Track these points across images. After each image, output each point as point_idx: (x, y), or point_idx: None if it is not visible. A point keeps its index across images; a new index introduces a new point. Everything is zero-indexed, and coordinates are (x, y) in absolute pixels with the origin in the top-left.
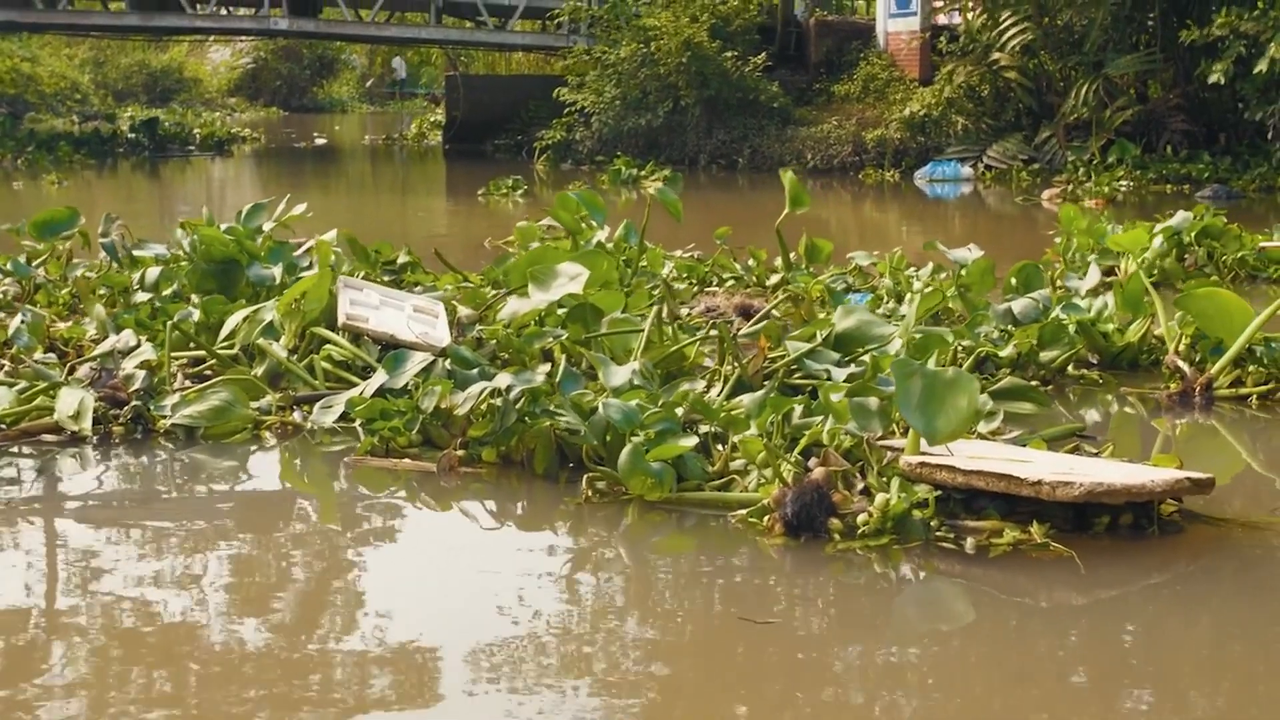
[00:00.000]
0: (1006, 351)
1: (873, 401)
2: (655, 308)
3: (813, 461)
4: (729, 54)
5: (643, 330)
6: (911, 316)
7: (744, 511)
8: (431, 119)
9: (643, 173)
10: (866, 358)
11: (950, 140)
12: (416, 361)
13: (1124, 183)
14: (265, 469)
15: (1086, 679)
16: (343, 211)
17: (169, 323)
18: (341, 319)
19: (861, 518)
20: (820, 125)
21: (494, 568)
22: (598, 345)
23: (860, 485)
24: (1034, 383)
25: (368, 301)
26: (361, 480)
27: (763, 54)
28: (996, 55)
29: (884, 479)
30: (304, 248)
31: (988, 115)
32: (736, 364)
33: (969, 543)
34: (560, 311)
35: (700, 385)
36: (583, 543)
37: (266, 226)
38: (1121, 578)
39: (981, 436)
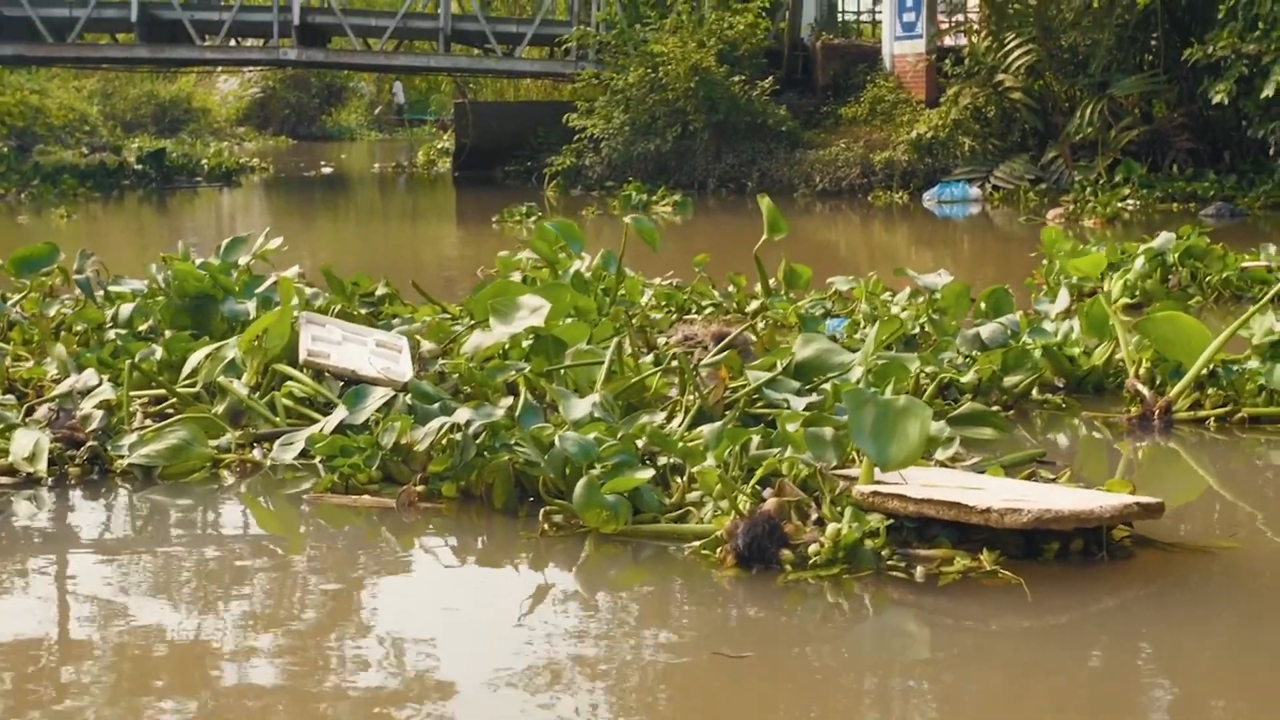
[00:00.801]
0: (968, 378)
1: (827, 431)
2: (616, 339)
3: (768, 492)
4: (736, 78)
5: (603, 362)
6: (871, 343)
7: (698, 544)
8: (438, 146)
9: (654, 198)
10: (826, 386)
11: (957, 161)
12: (377, 397)
13: (1130, 202)
14: (223, 508)
15: (1033, 705)
16: (352, 241)
17: (129, 361)
18: (303, 355)
19: (813, 548)
20: (828, 148)
21: (450, 604)
22: (560, 378)
23: (814, 515)
24: (996, 408)
25: (330, 337)
26: (320, 517)
27: (770, 78)
28: (1002, 77)
29: (837, 509)
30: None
31: (994, 136)
32: (697, 394)
33: (919, 571)
34: (526, 344)
35: (660, 417)
36: (537, 577)
37: (243, 260)
38: (1068, 604)
39: (940, 463)
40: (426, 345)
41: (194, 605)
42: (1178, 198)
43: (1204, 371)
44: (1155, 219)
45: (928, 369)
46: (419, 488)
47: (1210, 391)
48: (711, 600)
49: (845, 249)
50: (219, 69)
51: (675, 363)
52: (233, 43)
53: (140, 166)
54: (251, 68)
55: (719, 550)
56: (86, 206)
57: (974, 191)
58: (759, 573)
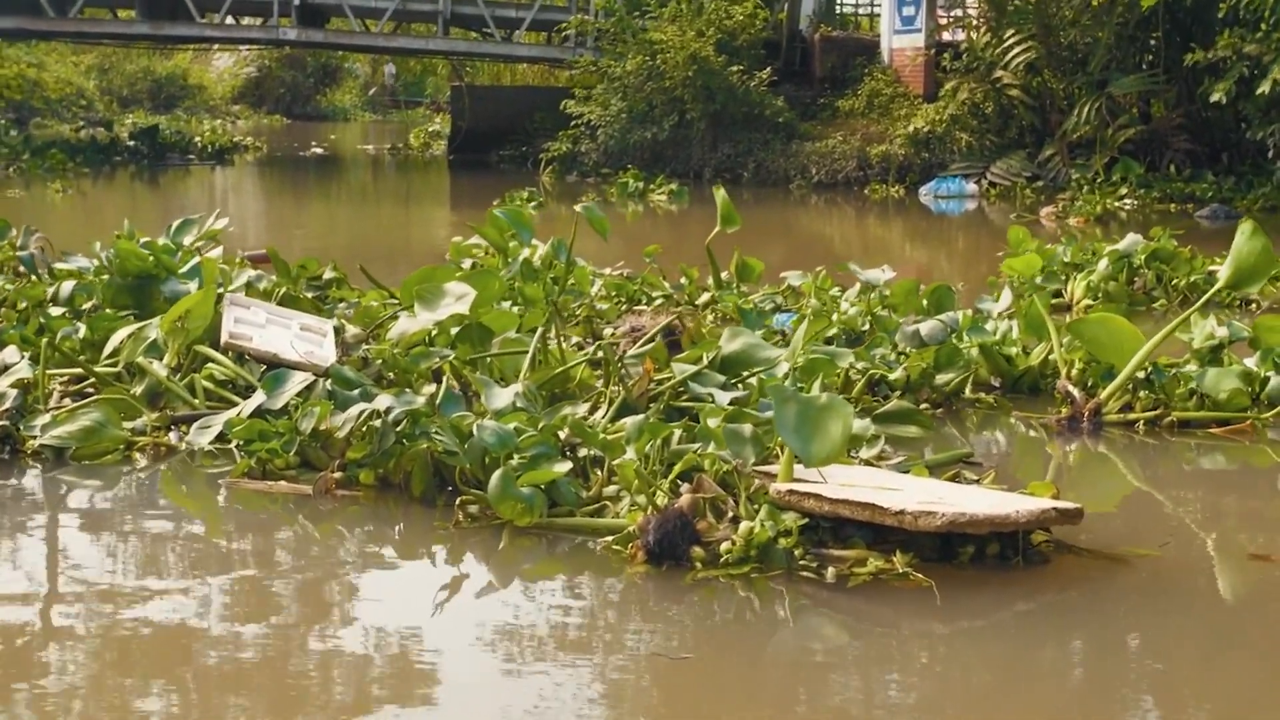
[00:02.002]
0: (896, 375)
1: (746, 428)
2: (541, 329)
3: (686, 488)
4: (735, 68)
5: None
6: (799, 339)
7: (610, 538)
8: (429, 129)
9: (652, 186)
10: (753, 380)
11: (954, 157)
12: (296, 381)
13: (1128, 201)
14: (133, 491)
15: (935, 710)
16: (343, 223)
17: (45, 340)
18: (224, 338)
19: (725, 546)
20: (825, 140)
21: (355, 594)
22: (486, 366)
23: (731, 513)
24: (924, 406)
25: (254, 320)
26: (235, 503)
27: (768, 69)
28: (1000, 73)
29: (754, 506)
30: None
31: (991, 132)
32: (621, 386)
33: (830, 572)
34: (454, 331)
35: (583, 408)
36: (447, 569)
37: (188, 240)
38: (980, 608)
39: (865, 462)
40: (351, 330)
41: (79, 590)
42: (1175, 198)
43: (1139, 374)
44: (1152, 219)
45: (860, 365)
46: (336, 474)
47: (1141, 395)
48: (615, 596)
49: (839, 242)
50: (215, 46)
51: (601, 353)
52: (232, 20)
53: (133, 143)
54: (246, 46)
55: (630, 546)
56: (78, 182)
57: (970, 187)
58: (669, 569)
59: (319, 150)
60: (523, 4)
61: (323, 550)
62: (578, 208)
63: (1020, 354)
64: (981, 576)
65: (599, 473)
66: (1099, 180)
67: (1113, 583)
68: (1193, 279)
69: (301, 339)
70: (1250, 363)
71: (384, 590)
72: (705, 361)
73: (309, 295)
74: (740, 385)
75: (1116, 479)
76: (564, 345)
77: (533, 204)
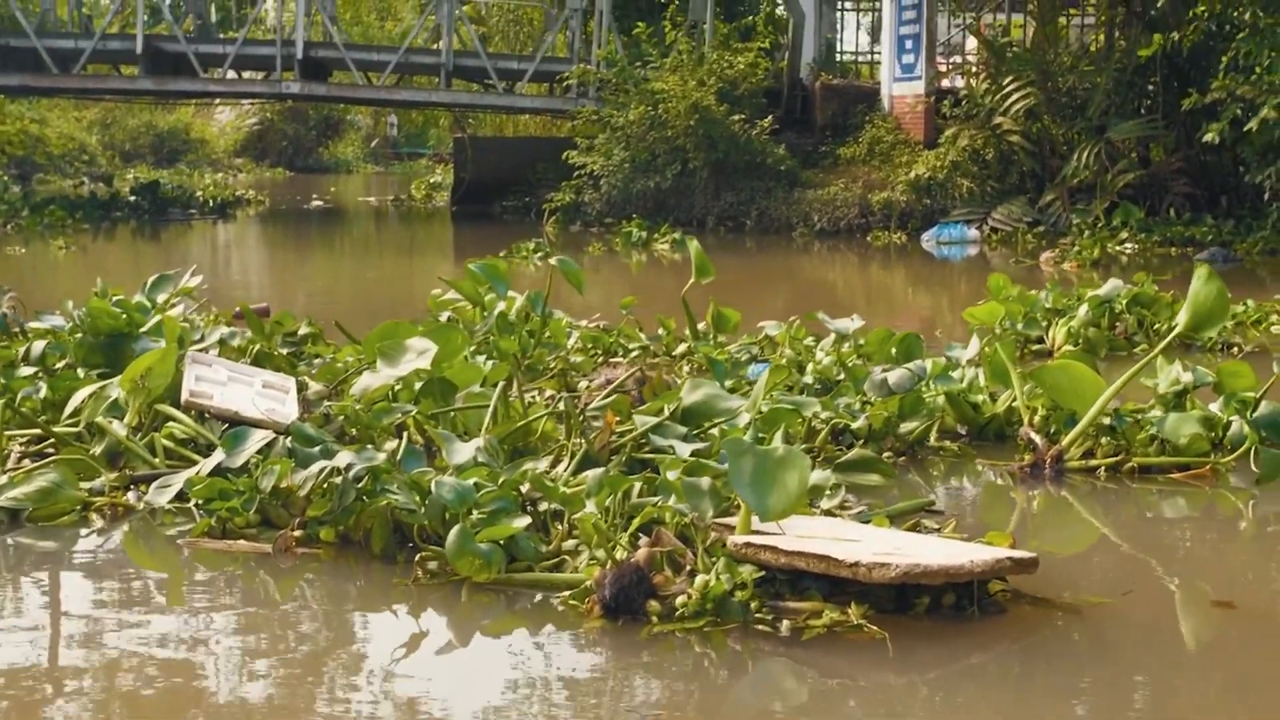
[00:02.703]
0: (858, 424)
1: (704, 480)
2: (502, 383)
3: (644, 541)
4: (736, 117)
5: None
6: (760, 389)
7: (568, 593)
8: (430, 180)
9: (658, 235)
10: (715, 432)
11: (956, 203)
12: (256, 439)
13: (1129, 245)
14: (93, 551)
15: None
16: (346, 277)
17: (4, 401)
18: (185, 396)
19: (681, 599)
20: (827, 188)
21: (315, 652)
22: (449, 421)
23: (689, 566)
24: (888, 454)
25: (215, 377)
26: (193, 563)
27: (769, 117)
28: (1000, 119)
29: (712, 559)
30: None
31: (992, 178)
32: (583, 439)
33: (785, 625)
34: (418, 386)
35: (544, 462)
36: (404, 626)
37: (162, 298)
38: (929, 660)
39: (826, 512)
40: (314, 386)
41: (60, 649)
42: (1175, 242)
43: (1103, 420)
44: (1153, 262)
45: (825, 414)
46: (296, 532)
47: (1103, 441)
48: (569, 653)
49: (843, 288)
50: (217, 100)
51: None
52: (234, 75)
53: (134, 198)
54: (247, 99)
55: (587, 601)
56: (79, 239)
57: (972, 233)
58: (625, 624)
59: (320, 203)
60: (524, 55)
61: (281, 609)
62: (552, 261)
63: (986, 401)
64: (937, 627)
65: (560, 527)
66: (1100, 225)
67: (1070, 632)
68: (1174, 324)
69: (264, 396)
70: (1216, 408)
71: (340, 648)
72: (667, 413)
73: (284, 352)
74: (701, 437)
75: (1077, 526)
76: (525, 399)
77: (539, 255)
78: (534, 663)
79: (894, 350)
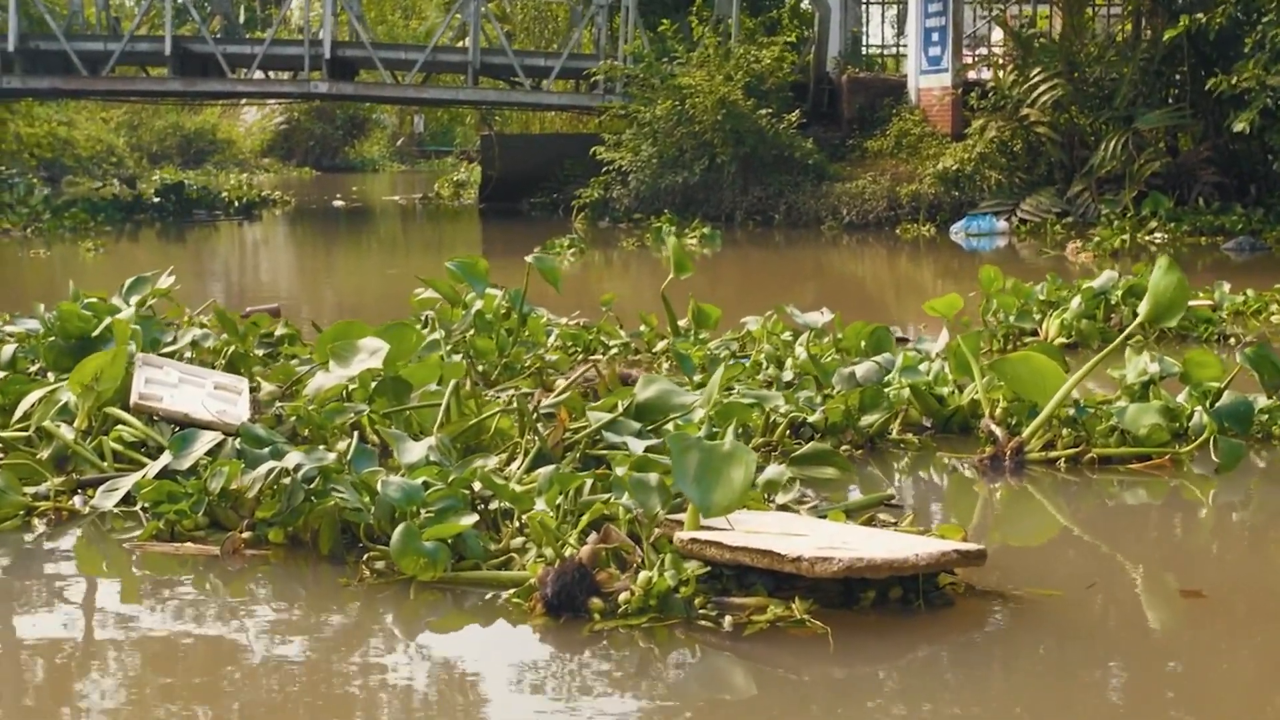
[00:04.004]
0: (815, 417)
1: (652, 477)
2: (454, 381)
3: (592, 538)
4: (763, 112)
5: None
6: (714, 384)
7: (512, 591)
8: (454, 178)
9: (689, 230)
10: (669, 427)
11: (984, 194)
12: (205, 441)
13: (1158, 235)
14: (36, 558)
15: None
16: (375, 274)
17: None
18: (134, 398)
19: (624, 596)
20: (855, 181)
21: (258, 653)
22: (403, 420)
23: (636, 563)
24: (846, 448)
25: (166, 380)
26: (139, 566)
27: (796, 111)
28: (1027, 111)
29: (659, 555)
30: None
31: (1020, 169)
32: (536, 436)
33: (727, 620)
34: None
35: (494, 460)
36: (348, 627)
37: (130, 302)
38: (871, 654)
39: (783, 507)
40: (267, 387)
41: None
42: (1205, 231)
43: (1064, 412)
44: (1182, 252)
45: (784, 408)
46: (245, 534)
47: (1064, 432)
48: (507, 650)
49: (871, 281)
50: (244, 101)
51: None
52: (262, 75)
53: (157, 199)
54: (275, 100)
55: (530, 598)
56: (104, 241)
57: (1001, 224)
58: (568, 621)
59: (342, 203)
60: (551, 52)
61: (227, 611)
62: (528, 258)
63: (953, 394)
64: (882, 621)
65: (510, 525)
66: (1128, 215)
67: (1015, 626)
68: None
69: (215, 398)
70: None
71: (282, 650)
72: (620, 409)
73: (259, 353)
74: (657, 433)
75: (1037, 518)
76: (480, 397)
77: (571, 250)
78: (473, 661)
79: (863, 343)
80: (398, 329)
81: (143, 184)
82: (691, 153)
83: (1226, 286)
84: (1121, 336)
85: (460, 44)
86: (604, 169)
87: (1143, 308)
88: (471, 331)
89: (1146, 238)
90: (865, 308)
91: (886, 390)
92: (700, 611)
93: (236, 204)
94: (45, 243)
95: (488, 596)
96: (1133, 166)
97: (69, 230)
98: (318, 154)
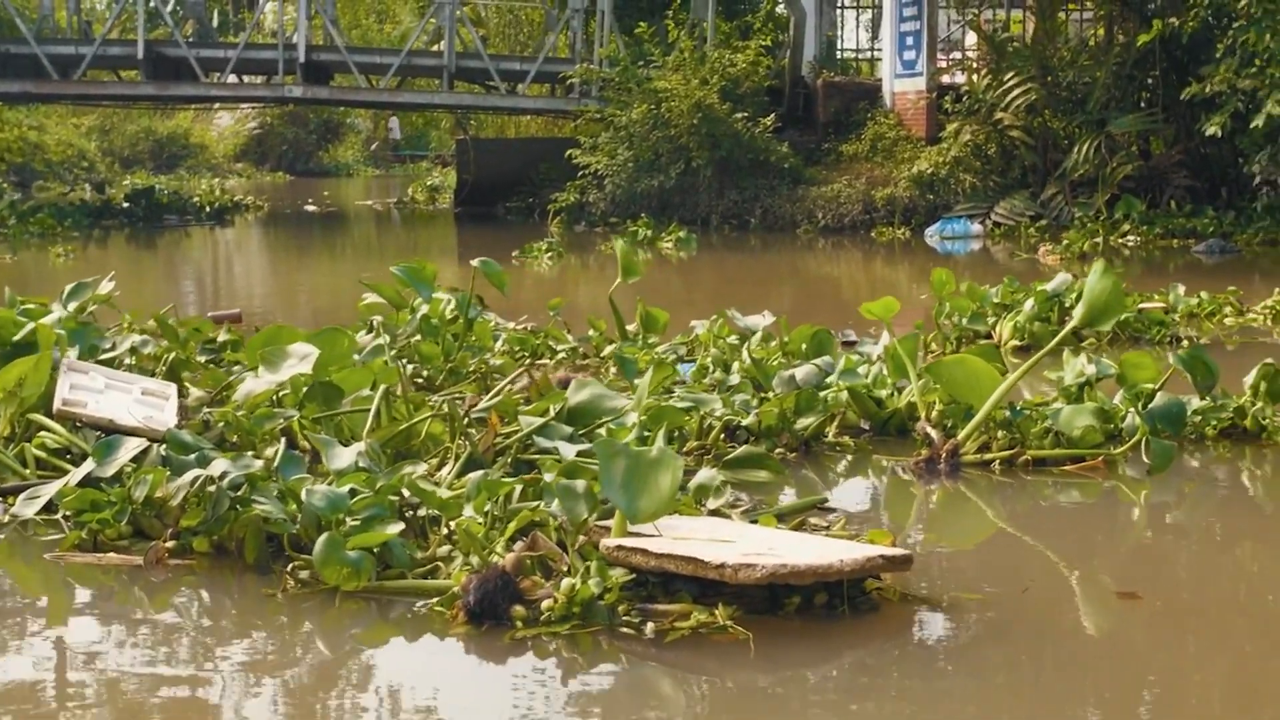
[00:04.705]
0: (748, 420)
1: (580, 483)
2: (384, 386)
3: (518, 545)
4: (739, 115)
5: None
6: (645, 388)
7: (435, 600)
8: (429, 182)
9: (665, 234)
10: (602, 432)
11: (958, 198)
12: (129, 448)
13: (1131, 238)
14: None
15: None
16: (350, 280)
17: None
18: (58, 404)
19: (547, 604)
20: (830, 184)
21: (174, 664)
22: (333, 426)
23: (563, 570)
24: (780, 451)
25: (91, 385)
26: (59, 577)
27: (772, 115)
28: (1001, 114)
29: (586, 563)
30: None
31: (994, 173)
32: (467, 441)
33: (650, 627)
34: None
35: (423, 467)
36: (270, 637)
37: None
38: (793, 660)
39: (714, 512)
40: (195, 392)
41: None
42: (1177, 234)
43: (1001, 414)
44: (1155, 255)
45: (719, 411)
46: (169, 543)
47: (1000, 434)
48: (428, 659)
49: (847, 285)
50: (216, 105)
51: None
52: (235, 79)
53: (127, 204)
54: (248, 104)
55: (453, 607)
56: (75, 246)
57: (975, 228)
58: (490, 630)
59: (314, 208)
60: (527, 56)
61: (149, 622)
62: (474, 262)
63: (892, 397)
64: (807, 627)
65: (438, 532)
66: (1101, 218)
67: (940, 630)
68: (1123, 317)
69: (142, 404)
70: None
71: (205, 660)
72: (552, 414)
73: (201, 360)
74: (590, 437)
75: (971, 520)
76: (422, 401)
77: (549, 254)
78: (393, 671)
79: (803, 346)
80: (329, 334)
81: (114, 189)
82: (667, 156)
83: (1181, 289)
84: (1055, 340)
85: (435, 48)
86: (580, 173)
87: (1078, 311)
88: (417, 337)
89: (1119, 240)
90: (838, 311)
91: (824, 393)
92: (623, 619)
93: (208, 209)
94: (10, 249)
95: (415, 606)
96: (1105, 170)
97: (35, 236)
98: (291, 158)
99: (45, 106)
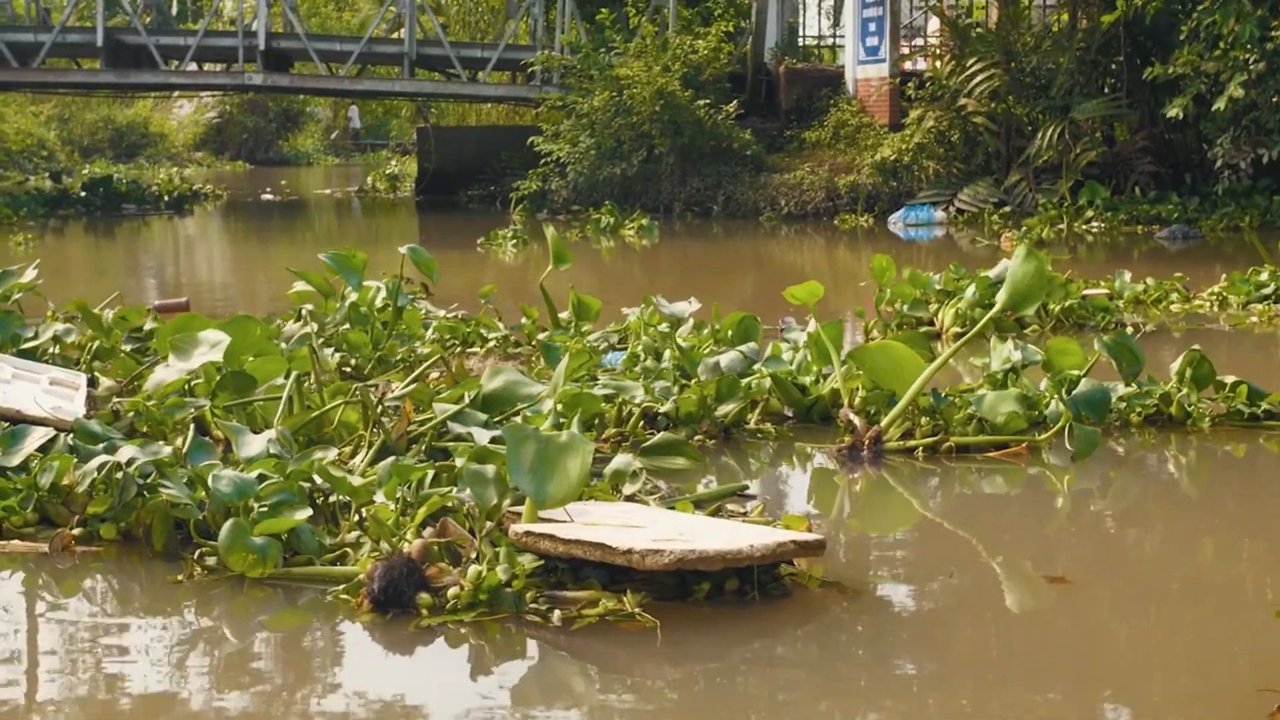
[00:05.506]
0: (666, 407)
1: (489, 468)
2: (296, 373)
3: (428, 531)
4: (701, 102)
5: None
6: (560, 375)
7: (341, 588)
8: (387, 171)
9: (628, 222)
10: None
11: (922, 185)
12: (36, 437)
13: (1095, 224)
14: None
15: None
16: (309, 266)
17: None
18: None
19: (453, 591)
20: (793, 171)
21: (79, 651)
22: (245, 414)
23: (472, 556)
24: (699, 438)
25: None
26: None
27: (734, 102)
28: (965, 101)
29: (496, 549)
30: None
31: (958, 160)
32: (380, 429)
33: (556, 615)
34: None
35: (334, 453)
36: (173, 625)
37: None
38: (698, 649)
39: (631, 498)
40: (106, 382)
41: None
42: (1141, 220)
43: (925, 400)
44: (1119, 241)
45: (639, 398)
46: (75, 530)
47: (923, 421)
48: (330, 648)
49: (810, 271)
50: (176, 94)
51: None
52: (195, 67)
53: (84, 193)
54: (209, 92)
55: (358, 594)
56: (37, 235)
57: (938, 215)
58: (395, 617)
59: (271, 197)
60: (487, 44)
61: (52, 609)
62: (402, 249)
63: (813, 384)
64: (716, 614)
65: (350, 518)
66: (1065, 204)
67: (850, 617)
68: (1067, 304)
69: (50, 394)
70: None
71: (100, 649)
72: (466, 400)
73: (126, 349)
74: (504, 424)
75: (894, 507)
76: (344, 388)
77: (513, 242)
78: (295, 658)
79: (730, 333)
80: (240, 322)
81: (72, 178)
82: (630, 144)
83: (1128, 275)
84: (977, 326)
85: (395, 35)
86: (542, 161)
87: (1000, 296)
88: (345, 325)
89: (1083, 227)
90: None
91: (746, 380)
92: (530, 606)
93: (167, 198)
94: None
95: (325, 593)
96: (1069, 156)
97: None
98: (251, 147)
99: (4, 95)
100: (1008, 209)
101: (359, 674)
